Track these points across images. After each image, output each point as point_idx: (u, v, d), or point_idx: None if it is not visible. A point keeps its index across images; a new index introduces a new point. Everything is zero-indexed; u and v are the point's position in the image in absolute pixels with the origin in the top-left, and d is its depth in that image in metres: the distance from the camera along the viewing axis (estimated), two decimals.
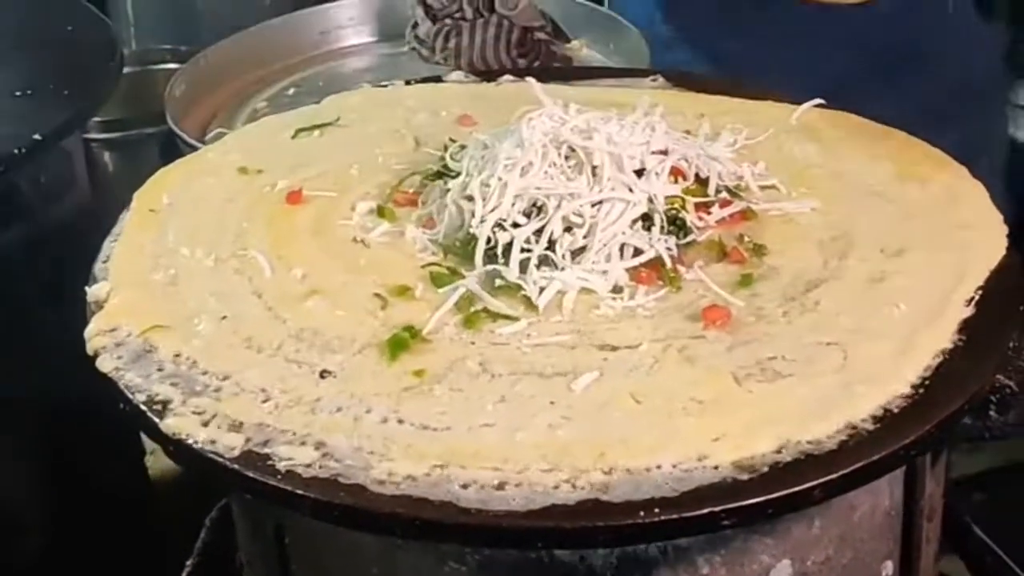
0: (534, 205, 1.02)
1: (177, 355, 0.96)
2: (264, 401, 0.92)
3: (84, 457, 1.44)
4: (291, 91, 1.78)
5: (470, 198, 1.03)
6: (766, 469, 0.85)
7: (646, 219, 1.02)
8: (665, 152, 1.06)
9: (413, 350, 0.95)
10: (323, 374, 0.94)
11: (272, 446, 0.88)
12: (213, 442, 0.89)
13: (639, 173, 1.04)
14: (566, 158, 1.03)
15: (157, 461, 1.61)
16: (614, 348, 0.94)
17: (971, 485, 1.85)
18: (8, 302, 1.35)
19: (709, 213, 1.06)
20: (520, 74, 1.29)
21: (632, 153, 1.04)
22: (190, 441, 0.90)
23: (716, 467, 0.85)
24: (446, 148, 1.13)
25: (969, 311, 0.96)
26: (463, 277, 1.01)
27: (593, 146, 1.03)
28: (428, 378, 0.92)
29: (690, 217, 1.04)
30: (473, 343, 0.96)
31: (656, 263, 1.01)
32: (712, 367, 0.92)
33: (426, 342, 0.96)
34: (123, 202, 1.15)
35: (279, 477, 0.87)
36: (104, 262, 1.07)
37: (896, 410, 0.89)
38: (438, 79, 1.35)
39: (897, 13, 1.59)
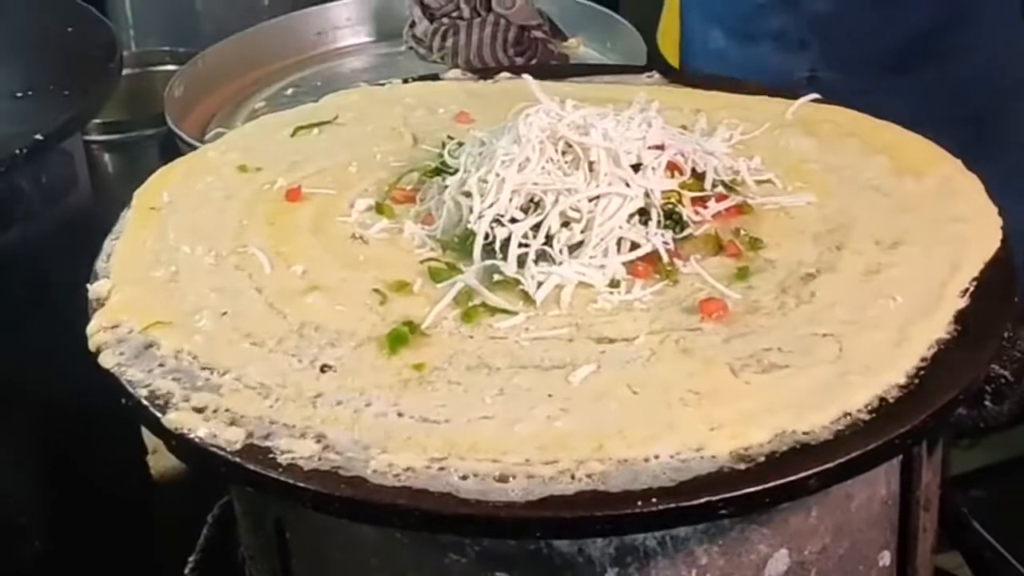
0: (531, 200, 1.03)
1: (178, 351, 0.97)
2: (265, 395, 0.93)
3: (86, 457, 1.45)
4: (289, 91, 1.79)
5: (468, 194, 1.04)
6: (763, 459, 0.85)
7: (643, 213, 1.03)
8: (661, 147, 1.07)
9: (412, 344, 0.96)
10: (323, 368, 0.95)
11: (273, 440, 0.89)
12: (215, 436, 0.90)
13: (636, 168, 1.04)
14: (563, 154, 1.04)
15: (159, 461, 1.61)
16: (611, 341, 0.95)
17: (969, 481, 1.86)
18: (8, 301, 1.36)
19: (705, 207, 1.06)
20: (517, 72, 1.29)
21: (629, 148, 1.04)
22: (192, 435, 0.91)
23: (713, 457, 0.85)
24: (444, 145, 1.14)
25: (964, 302, 0.97)
26: (461, 272, 1.01)
27: (590, 142, 1.04)
28: (427, 372, 0.93)
29: (686, 211, 1.05)
30: (472, 337, 0.96)
31: (653, 257, 1.01)
32: (709, 359, 0.93)
33: (425, 336, 0.96)
34: (123, 203, 1.15)
35: (280, 470, 0.87)
36: (105, 260, 1.08)
37: (892, 400, 0.89)
38: (435, 77, 1.35)
39: None
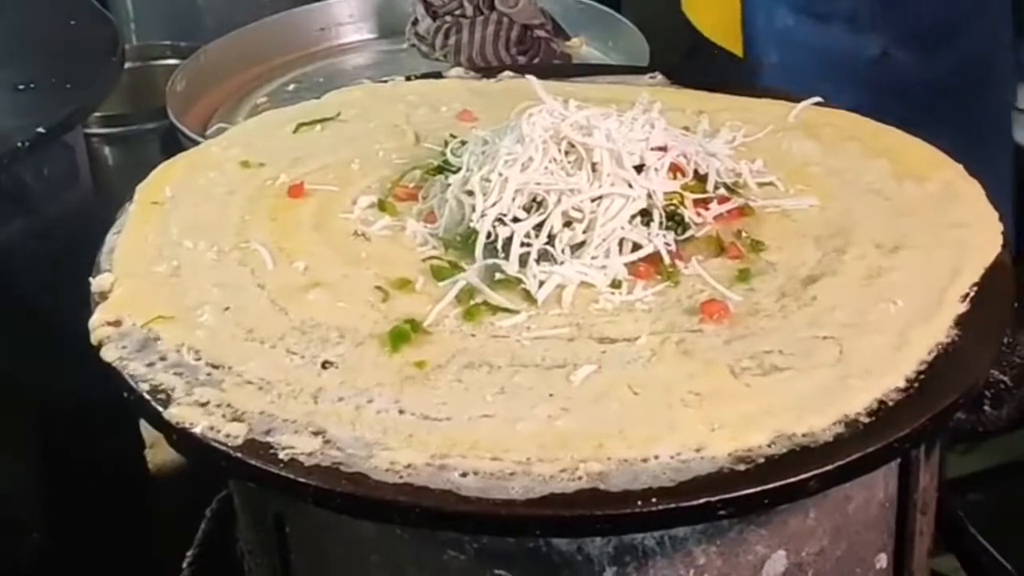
0: (534, 200, 1.03)
1: (180, 345, 0.97)
2: (266, 391, 0.93)
3: (85, 450, 1.45)
4: (291, 87, 1.79)
5: (470, 193, 1.04)
6: (762, 460, 0.86)
7: (645, 214, 1.03)
8: (664, 148, 1.07)
9: (414, 342, 0.96)
10: (325, 365, 0.95)
11: (274, 435, 0.89)
12: (216, 431, 0.90)
13: (638, 169, 1.04)
14: (566, 154, 1.04)
15: (157, 455, 1.62)
16: (612, 341, 0.95)
17: (966, 485, 1.86)
18: (11, 294, 1.36)
19: (707, 209, 1.06)
20: (520, 71, 1.30)
21: (631, 149, 1.05)
22: (193, 430, 0.91)
23: (713, 458, 0.86)
24: (446, 143, 1.14)
25: (964, 307, 0.97)
26: (463, 271, 1.01)
27: (593, 142, 1.04)
28: (429, 369, 0.93)
29: (688, 213, 1.05)
30: (473, 335, 0.97)
31: (655, 258, 1.01)
32: (709, 360, 0.93)
33: (427, 334, 0.97)
34: (124, 197, 1.16)
35: (281, 465, 0.87)
36: (108, 254, 1.08)
37: (891, 403, 0.90)
38: (438, 75, 1.35)
39: None
